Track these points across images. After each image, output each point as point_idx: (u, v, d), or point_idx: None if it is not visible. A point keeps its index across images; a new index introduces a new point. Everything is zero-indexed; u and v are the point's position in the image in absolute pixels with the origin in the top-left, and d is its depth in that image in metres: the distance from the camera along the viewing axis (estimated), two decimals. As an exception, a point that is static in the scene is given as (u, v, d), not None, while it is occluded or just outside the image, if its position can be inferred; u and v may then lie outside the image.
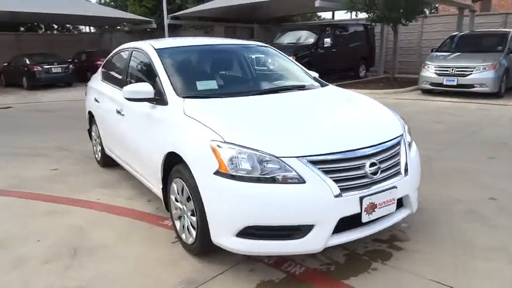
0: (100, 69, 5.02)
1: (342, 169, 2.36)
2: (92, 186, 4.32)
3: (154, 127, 3.07)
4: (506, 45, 10.03)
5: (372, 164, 2.44)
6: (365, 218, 2.40)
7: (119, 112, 3.81)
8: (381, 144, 2.56)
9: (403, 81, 13.19)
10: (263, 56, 4.01)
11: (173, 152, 2.76)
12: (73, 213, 3.63)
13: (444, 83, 9.92)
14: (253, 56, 3.95)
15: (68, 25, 27.93)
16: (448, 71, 9.88)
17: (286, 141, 2.40)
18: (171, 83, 3.08)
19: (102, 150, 4.77)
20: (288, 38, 13.38)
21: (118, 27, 23.92)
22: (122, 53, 4.37)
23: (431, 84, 10.26)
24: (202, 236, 2.55)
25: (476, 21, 14.34)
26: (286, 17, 21.02)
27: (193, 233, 2.66)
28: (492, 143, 5.53)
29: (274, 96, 3.17)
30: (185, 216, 2.77)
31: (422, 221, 3.18)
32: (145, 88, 3.09)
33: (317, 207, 2.27)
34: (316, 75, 3.91)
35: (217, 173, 2.33)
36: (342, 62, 13.51)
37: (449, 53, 10.59)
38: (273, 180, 2.26)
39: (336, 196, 2.28)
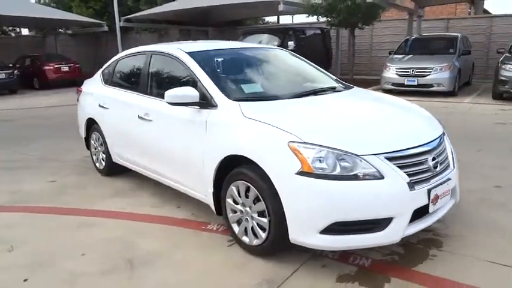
0: (99, 74, 4.80)
1: (412, 164, 2.53)
2: (106, 196, 4.14)
3: (202, 131, 3.03)
4: (457, 47, 10.97)
5: (433, 159, 2.63)
6: (431, 208, 2.59)
7: (142, 117, 3.70)
8: (435, 140, 2.77)
9: (361, 82, 13.83)
10: (285, 59, 4.10)
11: (232, 155, 2.77)
12: (106, 225, 3.47)
13: (406, 83, 10.62)
14: (277, 59, 4.03)
15: (4, 27, 25.85)
16: (408, 72, 10.60)
17: (361, 139, 2.53)
18: (218, 87, 3.08)
19: (108, 159, 4.58)
20: (251, 42, 13.52)
21: (60, 30, 22.63)
22: (133, 57, 4.25)
23: (393, 84, 10.93)
24: (276, 236, 2.59)
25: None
26: (240, 21, 21.18)
27: (262, 234, 2.69)
28: (471, 138, 6.06)
29: (318, 98, 3.29)
30: (248, 218, 2.79)
31: (450, 210, 3.44)
32: (190, 92, 3.05)
33: (395, 200, 2.41)
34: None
35: (300, 173, 2.39)
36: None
37: (406, 55, 11.36)
38: (355, 177, 2.37)
39: (411, 189, 2.44)
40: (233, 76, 3.44)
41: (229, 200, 2.92)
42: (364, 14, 12.12)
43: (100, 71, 4.84)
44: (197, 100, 3.06)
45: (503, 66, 9.43)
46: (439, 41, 11.81)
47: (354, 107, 3.20)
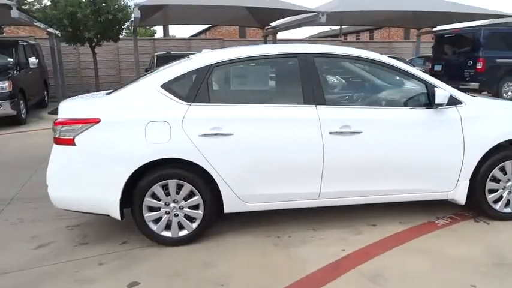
0: (159, 90, 3.00)
1: None
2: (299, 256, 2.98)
3: (457, 128, 3.24)
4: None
5: None
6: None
7: (337, 132, 3.09)
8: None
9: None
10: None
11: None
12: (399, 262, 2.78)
13: None
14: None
15: None
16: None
17: None
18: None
19: (214, 211, 3.11)
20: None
21: None
22: (262, 60, 3.41)
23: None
24: None
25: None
26: None
27: None
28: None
29: None
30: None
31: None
32: (446, 93, 3.18)
33: None
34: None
35: None
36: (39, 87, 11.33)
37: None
38: None
39: None
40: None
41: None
42: (118, 28, 11.46)
43: (156, 86, 3.04)
44: (448, 100, 3.20)
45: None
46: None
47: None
